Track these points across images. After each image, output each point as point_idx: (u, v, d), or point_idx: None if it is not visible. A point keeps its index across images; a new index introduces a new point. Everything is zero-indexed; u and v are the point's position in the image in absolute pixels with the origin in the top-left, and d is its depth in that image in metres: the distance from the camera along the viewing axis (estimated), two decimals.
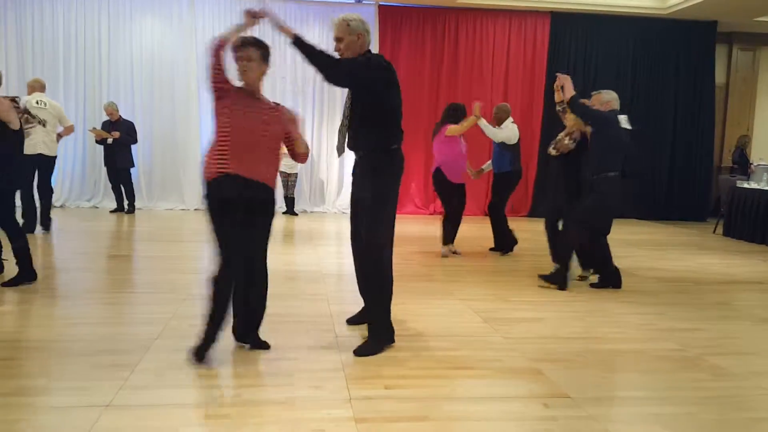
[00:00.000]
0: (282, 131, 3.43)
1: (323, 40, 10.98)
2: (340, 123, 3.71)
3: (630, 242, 8.49)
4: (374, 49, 10.84)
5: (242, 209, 3.24)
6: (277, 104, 3.55)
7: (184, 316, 4.18)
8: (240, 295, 3.40)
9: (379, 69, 3.48)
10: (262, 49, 3.43)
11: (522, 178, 7.20)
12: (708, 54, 11.73)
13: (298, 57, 10.86)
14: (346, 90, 3.68)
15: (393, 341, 3.66)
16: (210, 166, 3.23)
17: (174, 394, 2.90)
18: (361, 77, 3.46)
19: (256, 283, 3.45)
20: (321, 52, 3.40)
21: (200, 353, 3.25)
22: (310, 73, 11.04)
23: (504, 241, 7.14)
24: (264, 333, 3.74)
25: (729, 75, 12.27)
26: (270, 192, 3.37)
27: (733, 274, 6.49)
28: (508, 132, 6.95)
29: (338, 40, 3.60)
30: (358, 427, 2.62)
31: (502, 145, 6.97)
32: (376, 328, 3.61)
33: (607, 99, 5.58)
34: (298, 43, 3.40)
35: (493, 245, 7.28)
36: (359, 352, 3.50)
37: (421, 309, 4.59)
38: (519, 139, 7.02)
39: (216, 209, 3.22)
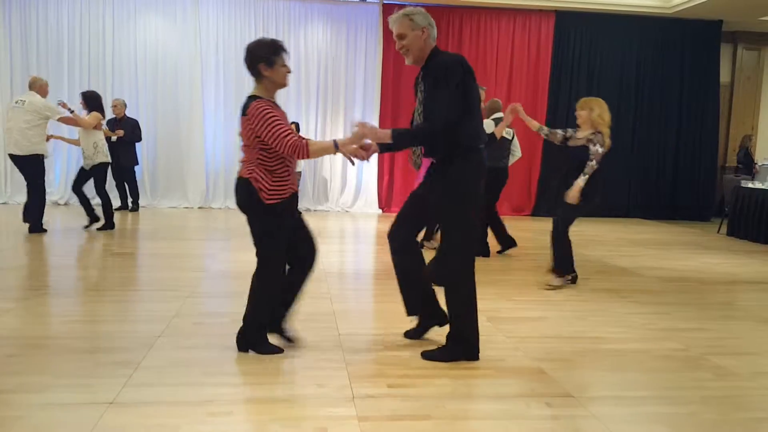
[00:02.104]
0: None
1: (327, 39, 11.00)
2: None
3: (634, 241, 8.47)
4: (378, 48, 10.91)
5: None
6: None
7: (188, 314, 4.19)
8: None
9: (455, 77, 3.23)
10: None
11: (508, 176, 7.07)
12: (713, 53, 11.70)
13: (301, 52, 10.94)
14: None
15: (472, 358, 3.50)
16: (274, 192, 3.27)
17: (177, 392, 2.91)
18: (454, 109, 3.22)
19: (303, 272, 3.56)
20: (416, 133, 3.34)
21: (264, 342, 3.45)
22: (313, 67, 11.07)
23: (502, 241, 7.07)
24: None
25: (734, 74, 12.23)
26: None
27: (736, 274, 6.48)
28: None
29: (400, 37, 3.36)
30: (360, 425, 2.62)
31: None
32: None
33: None
34: (398, 139, 3.32)
35: (498, 248, 7.27)
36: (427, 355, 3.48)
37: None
38: (490, 136, 6.74)
39: (283, 225, 3.36)
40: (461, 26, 11.23)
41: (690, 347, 3.89)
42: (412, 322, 3.82)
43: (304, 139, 3.20)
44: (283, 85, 3.33)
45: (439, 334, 3.70)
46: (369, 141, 3.28)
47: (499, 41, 11.29)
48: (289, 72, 3.34)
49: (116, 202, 10.11)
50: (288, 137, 3.15)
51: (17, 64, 10.38)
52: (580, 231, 9.24)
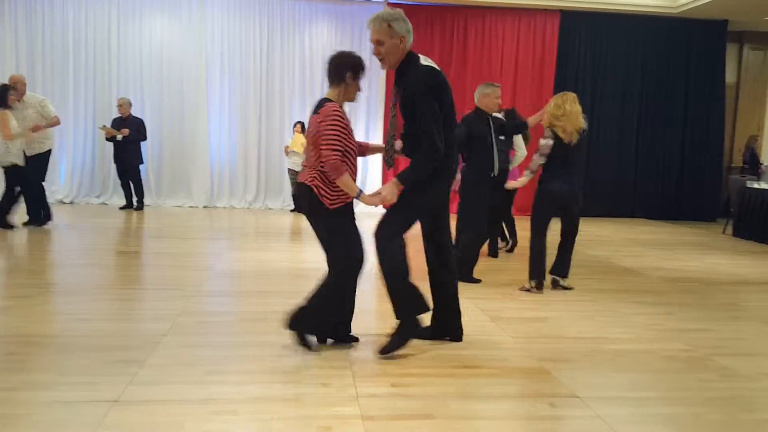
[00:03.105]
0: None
1: (332, 38, 11.00)
2: (387, 136, 3.60)
3: (639, 242, 8.45)
4: None
5: None
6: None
7: (193, 313, 4.20)
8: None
9: (437, 92, 3.35)
10: None
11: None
12: (718, 53, 11.66)
13: (305, 52, 10.94)
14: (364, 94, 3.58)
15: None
16: (336, 197, 3.35)
17: (182, 390, 2.91)
18: (441, 126, 3.35)
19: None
20: (420, 167, 3.36)
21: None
22: (318, 67, 11.07)
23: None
24: (272, 330, 3.75)
25: (739, 74, 12.19)
26: None
27: (742, 275, 6.46)
28: None
29: (378, 43, 3.40)
30: (364, 424, 2.62)
31: None
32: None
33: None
34: (409, 183, 3.40)
35: (507, 247, 7.27)
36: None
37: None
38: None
39: (349, 224, 3.46)
40: (466, 26, 11.22)
41: (695, 348, 3.88)
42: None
43: (345, 166, 3.29)
44: (352, 101, 3.49)
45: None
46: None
47: (505, 41, 11.27)
48: (360, 91, 3.51)
49: (121, 201, 10.16)
50: (335, 154, 3.24)
51: (23, 63, 10.41)
52: (585, 231, 9.22)
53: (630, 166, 11.60)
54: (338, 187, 3.33)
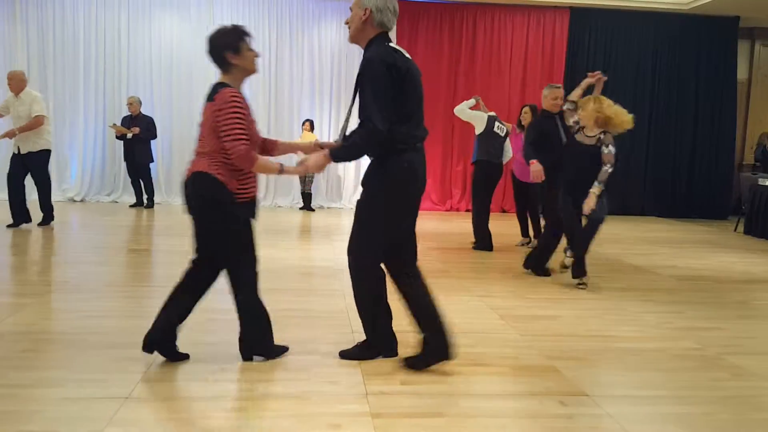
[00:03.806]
0: None
1: (341, 36, 11.00)
2: (342, 128, 3.39)
3: (650, 240, 8.41)
4: None
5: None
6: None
7: (202, 310, 4.19)
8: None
9: (394, 73, 3.02)
10: None
11: (497, 171, 7.05)
12: (730, 50, 11.58)
13: (314, 50, 10.96)
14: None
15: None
16: (242, 189, 3.10)
17: (192, 387, 2.93)
18: (386, 108, 3.01)
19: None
20: (352, 145, 3.11)
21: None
22: (326, 65, 11.08)
23: (480, 242, 7.04)
24: (280, 328, 3.75)
25: (751, 71, 12.11)
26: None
27: (753, 273, 6.41)
28: (472, 114, 6.99)
29: (350, 10, 3.21)
30: (374, 422, 2.63)
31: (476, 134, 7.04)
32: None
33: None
34: (343, 158, 3.24)
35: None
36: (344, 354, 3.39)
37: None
38: (489, 131, 6.90)
39: (248, 225, 3.18)
40: (475, 23, 11.20)
41: (706, 346, 3.86)
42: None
43: (254, 152, 3.05)
44: (253, 71, 3.16)
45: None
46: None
47: (514, 38, 11.24)
48: (257, 56, 3.17)
49: (132, 199, 10.21)
50: (240, 142, 2.97)
51: (34, 61, 10.49)
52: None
53: (641, 163, 11.55)
54: (244, 178, 3.08)
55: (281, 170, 3.16)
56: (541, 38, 11.27)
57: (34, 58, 10.50)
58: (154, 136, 10.02)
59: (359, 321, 4.05)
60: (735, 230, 9.78)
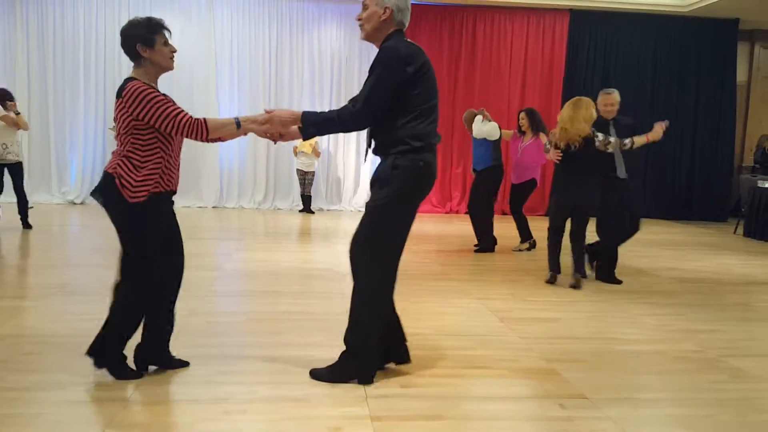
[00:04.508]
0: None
1: (341, 38, 11.02)
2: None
3: (649, 242, 8.41)
4: None
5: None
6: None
7: (202, 313, 4.21)
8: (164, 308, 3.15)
9: (408, 68, 2.92)
10: None
11: (503, 175, 7.26)
12: (729, 52, 11.59)
13: (314, 52, 10.97)
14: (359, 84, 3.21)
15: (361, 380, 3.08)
16: (139, 188, 2.88)
17: (191, 390, 2.93)
18: (378, 100, 2.93)
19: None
20: (329, 118, 3.00)
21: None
22: (327, 67, 11.08)
23: (485, 245, 7.13)
24: (281, 330, 3.76)
25: (750, 73, 12.11)
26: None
27: (753, 275, 6.41)
28: (490, 128, 7.02)
29: (363, 6, 3.05)
30: (374, 425, 2.63)
31: (484, 141, 7.08)
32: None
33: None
34: (312, 125, 3.03)
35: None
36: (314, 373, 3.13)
37: (437, 308, 4.58)
38: (499, 137, 7.08)
39: (151, 226, 2.98)
40: (475, 25, 11.21)
41: (706, 349, 3.86)
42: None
43: (200, 118, 2.88)
44: (168, 67, 2.99)
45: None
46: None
47: (514, 40, 11.25)
48: (173, 51, 3.00)
49: None
50: (180, 116, 2.83)
51: (34, 64, 10.50)
52: (594, 231, 9.17)
53: (640, 165, 11.55)
54: (147, 173, 2.86)
55: (238, 124, 2.96)
56: (541, 41, 11.28)
57: (34, 59, 10.50)
58: None
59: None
60: (735, 232, 9.78)
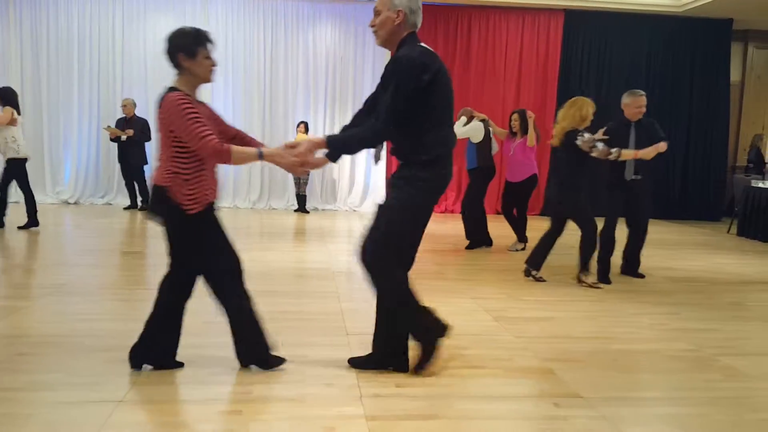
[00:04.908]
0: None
1: (336, 38, 11.01)
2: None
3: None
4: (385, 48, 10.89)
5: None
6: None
7: (197, 313, 4.19)
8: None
9: (426, 75, 2.94)
10: None
11: (494, 175, 7.31)
12: (723, 52, 11.62)
13: (309, 52, 10.96)
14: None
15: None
16: (191, 200, 2.94)
17: (186, 390, 2.92)
18: (402, 109, 2.94)
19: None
20: (353, 137, 3.04)
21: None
22: (321, 67, 11.08)
23: (480, 238, 7.27)
24: (276, 330, 3.74)
25: (744, 73, 12.16)
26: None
27: (747, 274, 6.44)
28: (469, 129, 7.09)
29: (376, 12, 3.04)
30: (369, 424, 2.63)
31: (468, 142, 7.20)
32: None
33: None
34: (340, 148, 3.09)
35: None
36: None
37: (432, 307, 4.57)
38: (486, 137, 7.12)
39: (203, 236, 3.08)
40: (470, 25, 11.22)
41: (700, 348, 3.87)
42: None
43: (226, 144, 2.91)
44: (207, 79, 3.01)
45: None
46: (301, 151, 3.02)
47: (508, 40, 11.27)
48: (213, 65, 3.01)
49: (126, 202, 10.19)
50: (207, 138, 2.83)
51: (28, 63, 10.46)
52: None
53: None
54: (196, 186, 2.93)
55: (261, 156, 2.97)
56: (536, 40, 11.29)
57: (28, 59, 10.47)
58: (149, 139, 10.00)
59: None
60: (728, 232, 9.81)
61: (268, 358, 3.21)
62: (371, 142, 3.07)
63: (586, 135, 5.27)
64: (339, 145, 3.09)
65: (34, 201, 7.48)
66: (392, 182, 3.14)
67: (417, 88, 2.92)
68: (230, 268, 3.14)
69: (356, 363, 3.28)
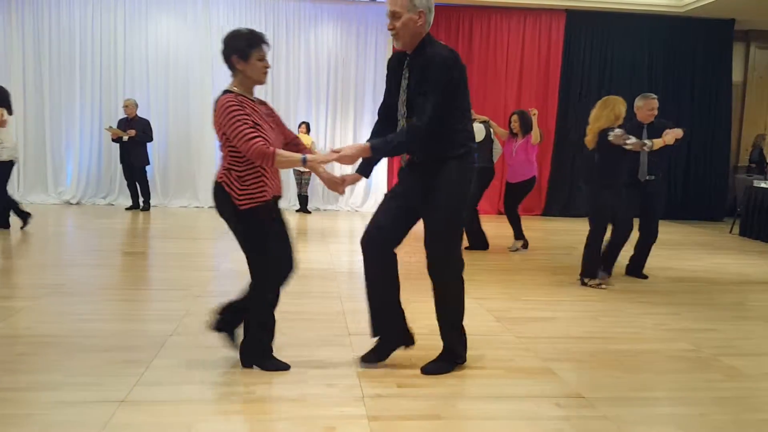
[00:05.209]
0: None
1: (337, 38, 11.01)
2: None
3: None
4: (388, 48, 10.90)
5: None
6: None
7: (199, 313, 4.21)
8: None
9: (457, 74, 3.03)
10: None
11: (494, 175, 7.27)
12: (725, 52, 11.61)
13: (311, 52, 10.97)
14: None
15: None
16: (245, 197, 3.04)
17: (188, 391, 2.92)
18: (442, 108, 3.01)
19: None
20: (398, 142, 3.04)
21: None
22: (323, 67, 11.08)
23: (477, 239, 7.24)
24: (277, 330, 3.75)
25: (746, 73, 12.14)
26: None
27: (748, 275, 6.43)
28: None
29: (394, 15, 3.00)
30: (370, 425, 2.63)
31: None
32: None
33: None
34: (383, 153, 3.11)
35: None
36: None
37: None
38: (487, 137, 7.08)
39: (263, 231, 3.14)
40: (471, 25, 11.22)
41: (701, 348, 3.87)
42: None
43: (272, 147, 2.94)
44: (259, 81, 3.08)
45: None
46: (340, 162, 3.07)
47: (510, 40, 11.26)
48: (266, 67, 3.08)
49: (128, 202, 10.20)
50: (253, 141, 2.88)
51: (30, 64, 10.47)
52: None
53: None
54: (251, 183, 3.01)
55: (304, 161, 3.00)
56: (537, 41, 11.29)
57: (30, 60, 10.48)
58: (150, 139, 10.01)
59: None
60: (730, 232, 9.80)
61: (266, 362, 3.22)
62: (412, 145, 3.09)
63: (617, 130, 5.26)
64: (383, 150, 3.10)
65: (10, 204, 7.35)
66: (431, 180, 3.13)
67: (452, 86, 3.00)
68: (273, 269, 3.18)
69: (369, 358, 3.33)
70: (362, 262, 3.24)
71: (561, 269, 6.06)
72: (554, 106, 11.22)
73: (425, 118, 2.98)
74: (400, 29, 3.03)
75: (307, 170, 10.28)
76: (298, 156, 3.01)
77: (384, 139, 3.06)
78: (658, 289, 5.57)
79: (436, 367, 3.24)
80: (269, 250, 3.11)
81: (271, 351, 3.25)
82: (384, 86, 3.33)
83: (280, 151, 2.97)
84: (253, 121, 2.95)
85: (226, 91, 3.05)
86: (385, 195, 3.38)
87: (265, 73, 3.08)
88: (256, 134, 2.91)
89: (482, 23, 11.21)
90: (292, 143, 3.29)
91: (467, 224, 7.25)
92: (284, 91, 11.03)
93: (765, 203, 8.90)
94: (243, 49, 3.00)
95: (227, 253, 6.48)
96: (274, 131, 3.11)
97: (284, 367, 3.21)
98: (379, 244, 3.21)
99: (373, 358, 3.33)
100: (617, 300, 5.05)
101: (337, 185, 3.17)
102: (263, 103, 3.17)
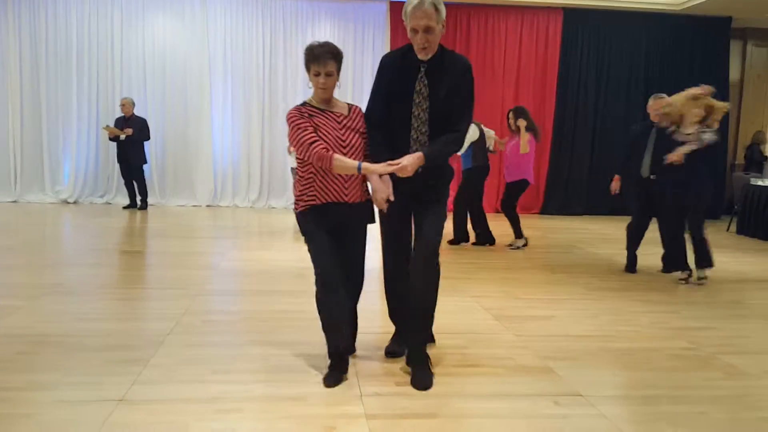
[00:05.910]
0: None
1: (335, 37, 10.99)
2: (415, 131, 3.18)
3: (643, 240, 8.41)
4: (385, 47, 10.89)
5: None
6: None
7: (197, 312, 4.20)
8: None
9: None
10: (339, 60, 3.14)
11: (488, 173, 7.38)
12: (722, 50, 11.61)
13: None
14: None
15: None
16: (300, 200, 3.18)
17: (186, 389, 2.92)
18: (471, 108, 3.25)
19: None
20: (444, 149, 3.15)
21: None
22: None
23: (484, 237, 7.39)
24: (276, 329, 3.76)
25: (743, 71, 12.14)
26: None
27: (746, 273, 6.44)
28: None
29: (428, 30, 2.99)
30: (369, 423, 2.63)
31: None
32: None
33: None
34: (435, 160, 3.13)
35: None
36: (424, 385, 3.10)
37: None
38: (482, 137, 7.15)
39: (317, 234, 3.18)
40: (469, 24, 11.21)
41: (700, 346, 3.87)
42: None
43: (330, 151, 3.00)
44: (318, 95, 3.15)
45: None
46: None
47: (507, 39, 11.25)
48: (321, 82, 3.09)
49: (125, 201, 10.18)
50: (313, 145, 2.99)
51: (26, 64, 10.44)
52: (589, 229, 9.21)
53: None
54: (303, 188, 3.14)
55: (360, 168, 3.01)
56: (535, 39, 11.28)
57: (27, 59, 10.45)
58: (148, 138, 9.99)
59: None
60: (728, 230, 9.82)
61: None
62: (456, 150, 3.24)
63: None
64: (437, 157, 3.13)
65: None
66: (437, 179, 3.26)
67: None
68: (324, 276, 3.18)
69: (393, 351, 3.44)
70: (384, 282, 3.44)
71: (559, 267, 6.07)
72: (552, 104, 11.22)
73: (464, 125, 3.17)
74: (432, 42, 3.04)
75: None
76: (355, 163, 3.03)
77: (436, 148, 3.11)
78: (656, 287, 5.57)
79: (427, 377, 3.10)
80: (314, 253, 3.18)
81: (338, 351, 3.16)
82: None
83: (338, 156, 3.01)
84: (314, 127, 3.06)
85: (299, 104, 3.21)
86: (384, 222, 3.37)
87: (323, 88, 3.11)
88: (315, 139, 3.02)
89: (479, 22, 11.20)
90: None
91: (474, 223, 7.33)
92: (282, 90, 10.99)
93: (762, 201, 8.91)
94: (305, 63, 3.14)
95: (225, 252, 6.48)
96: (354, 139, 3.14)
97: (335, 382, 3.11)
98: (403, 270, 3.27)
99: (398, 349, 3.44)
100: (615, 298, 5.05)
101: (388, 195, 3.11)
102: (340, 114, 3.18)
